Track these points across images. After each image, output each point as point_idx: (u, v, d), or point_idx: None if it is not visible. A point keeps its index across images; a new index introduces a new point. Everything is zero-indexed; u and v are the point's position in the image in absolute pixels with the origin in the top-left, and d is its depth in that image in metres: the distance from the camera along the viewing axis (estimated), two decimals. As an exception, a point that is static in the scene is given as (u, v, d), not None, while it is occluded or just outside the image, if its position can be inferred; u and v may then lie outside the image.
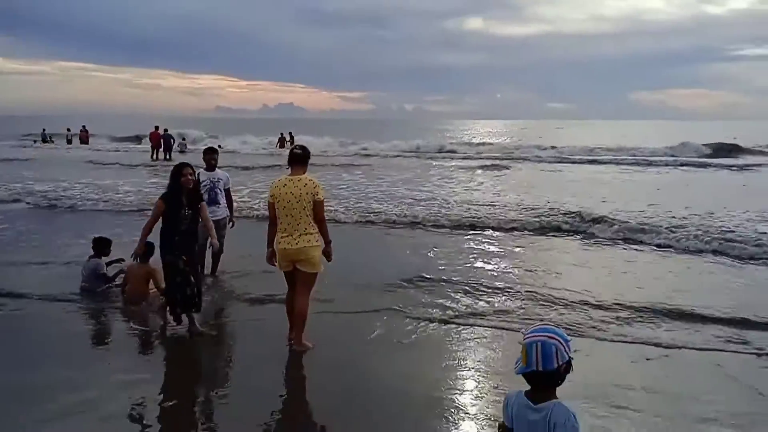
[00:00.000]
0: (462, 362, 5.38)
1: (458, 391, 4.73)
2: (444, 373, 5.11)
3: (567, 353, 2.18)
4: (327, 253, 5.58)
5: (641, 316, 6.50)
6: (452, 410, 4.36)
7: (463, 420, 4.24)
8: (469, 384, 4.89)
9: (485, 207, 13.62)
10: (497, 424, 2.38)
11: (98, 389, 4.68)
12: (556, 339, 2.18)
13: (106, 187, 17.45)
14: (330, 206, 12.49)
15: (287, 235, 5.37)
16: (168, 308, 6.18)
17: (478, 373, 5.10)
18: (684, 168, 25.43)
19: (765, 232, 10.32)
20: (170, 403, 4.52)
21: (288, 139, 36.37)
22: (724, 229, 10.63)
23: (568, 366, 2.19)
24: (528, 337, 2.22)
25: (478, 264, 8.93)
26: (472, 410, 4.39)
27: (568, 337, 2.23)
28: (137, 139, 44.20)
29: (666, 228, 10.77)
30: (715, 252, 9.58)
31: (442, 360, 5.42)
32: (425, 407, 4.43)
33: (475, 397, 4.63)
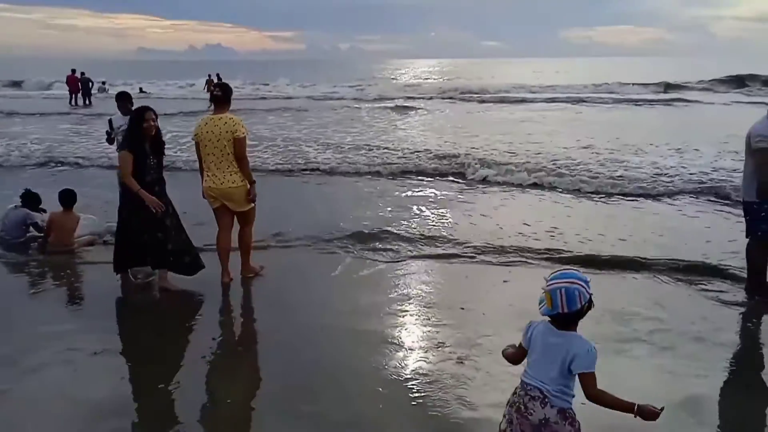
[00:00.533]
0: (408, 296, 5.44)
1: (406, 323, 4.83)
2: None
3: (588, 293, 2.37)
4: (249, 192, 5.54)
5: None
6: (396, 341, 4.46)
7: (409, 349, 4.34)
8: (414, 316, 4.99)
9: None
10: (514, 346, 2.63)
11: (20, 343, 4.50)
12: (577, 283, 2.37)
13: (12, 136, 16.39)
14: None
15: (212, 174, 5.44)
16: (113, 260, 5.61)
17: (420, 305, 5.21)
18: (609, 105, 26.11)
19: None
20: (100, 353, 4.35)
21: (216, 80, 35.12)
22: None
23: (589, 304, 2.39)
24: (551, 284, 2.39)
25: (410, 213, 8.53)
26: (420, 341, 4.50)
27: (588, 277, 2.41)
28: (52, 85, 41.51)
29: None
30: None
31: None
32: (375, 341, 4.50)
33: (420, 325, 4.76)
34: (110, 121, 7.55)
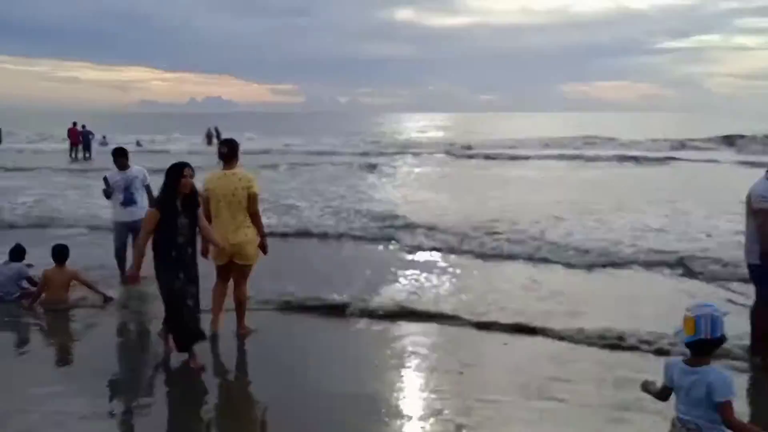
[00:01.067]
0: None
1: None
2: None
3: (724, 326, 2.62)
4: (263, 246, 5.67)
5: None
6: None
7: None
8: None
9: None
10: (648, 384, 2.94)
11: (9, 404, 4.40)
12: (719, 313, 2.62)
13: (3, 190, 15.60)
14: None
15: (223, 229, 5.41)
16: (173, 339, 5.15)
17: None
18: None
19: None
20: (90, 416, 4.26)
21: (215, 134, 35.57)
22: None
23: (724, 337, 2.65)
24: (695, 311, 2.61)
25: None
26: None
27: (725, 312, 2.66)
28: (54, 137, 41.97)
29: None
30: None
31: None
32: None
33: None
34: (105, 179, 7.64)
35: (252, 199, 5.46)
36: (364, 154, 31.68)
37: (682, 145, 34.63)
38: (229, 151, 5.60)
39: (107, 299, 6.85)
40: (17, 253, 7.22)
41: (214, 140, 34.12)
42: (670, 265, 8.25)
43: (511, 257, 8.93)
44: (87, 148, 29.41)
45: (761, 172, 5.13)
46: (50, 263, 6.84)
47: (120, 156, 7.65)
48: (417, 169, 23.73)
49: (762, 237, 4.84)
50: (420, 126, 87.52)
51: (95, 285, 6.98)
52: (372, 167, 23.27)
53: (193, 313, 5.06)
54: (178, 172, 4.94)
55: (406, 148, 35.16)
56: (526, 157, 28.30)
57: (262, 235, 5.65)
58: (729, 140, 36.23)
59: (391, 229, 10.58)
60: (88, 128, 30.16)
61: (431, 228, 10.38)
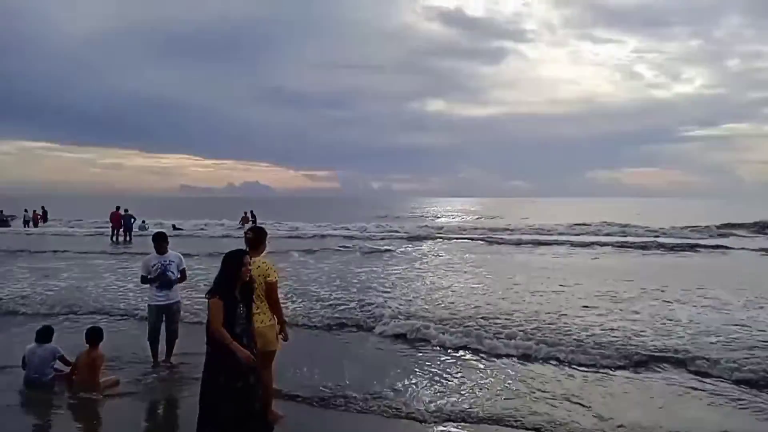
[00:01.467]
0: None
1: None
2: None
3: None
4: (282, 332, 5.68)
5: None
6: None
7: None
8: None
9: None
10: None
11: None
12: None
13: (40, 274, 16.04)
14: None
15: None
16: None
17: None
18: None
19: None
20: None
21: (250, 217, 36.49)
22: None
23: None
24: None
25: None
26: None
27: None
28: (97, 222, 43.63)
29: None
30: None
31: None
32: None
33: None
34: (144, 263, 7.86)
35: (269, 288, 5.52)
36: (391, 238, 32.22)
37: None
38: (254, 238, 5.68)
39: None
40: (45, 334, 7.16)
41: (249, 223, 35.04)
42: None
43: (546, 359, 8.38)
44: (128, 231, 30.36)
45: None
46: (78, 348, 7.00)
47: (160, 240, 7.86)
48: (444, 255, 23.71)
49: None
50: (448, 210, 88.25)
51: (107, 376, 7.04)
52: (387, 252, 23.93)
53: (251, 404, 4.85)
54: (238, 260, 4.91)
55: (436, 232, 35.64)
56: (555, 243, 28.36)
57: (282, 322, 5.69)
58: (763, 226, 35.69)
59: (420, 328, 9.79)
60: (129, 212, 31.25)
61: (447, 323, 10.06)
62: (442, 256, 23.36)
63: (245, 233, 5.91)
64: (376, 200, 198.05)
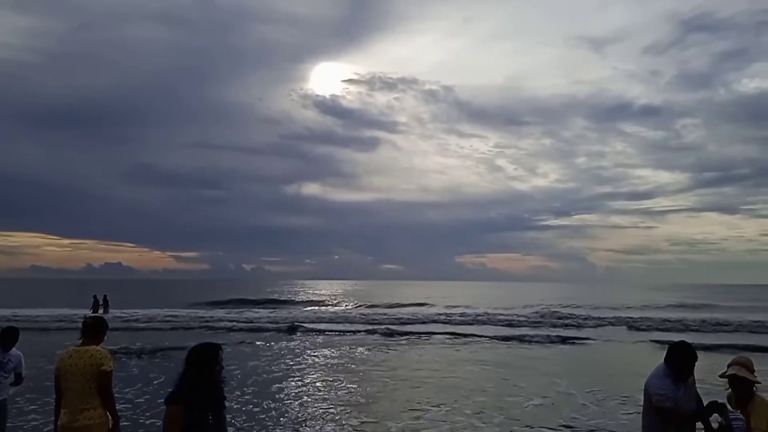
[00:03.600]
0: None
1: None
2: None
3: None
4: (115, 430, 5.12)
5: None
6: None
7: None
8: None
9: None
10: None
11: None
12: None
13: None
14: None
15: (68, 411, 4.95)
16: None
17: None
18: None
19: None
20: None
21: (101, 302, 34.05)
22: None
23: None
24: None
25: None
26: None
27: None
28: None
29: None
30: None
31: None
32: None
33: None
34: None
35: (104, 377, 5.01)
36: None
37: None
38: (92, 323, 5.32)
39: None
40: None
41: (101, 308, 32.71)
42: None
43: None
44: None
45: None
46: None
47: (10, 334, 7.10)
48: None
49: None
50: (323, 292, 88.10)
51: None
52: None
53: None
54: (214, 358, 3.93)
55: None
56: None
57: (116, 418, 5.15)
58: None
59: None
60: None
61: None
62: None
63: (84, 318, 5.57)
64: (248, 281, 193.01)
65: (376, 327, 30.28)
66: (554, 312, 37.97)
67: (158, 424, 9.06)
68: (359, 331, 28.45)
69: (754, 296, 73.40)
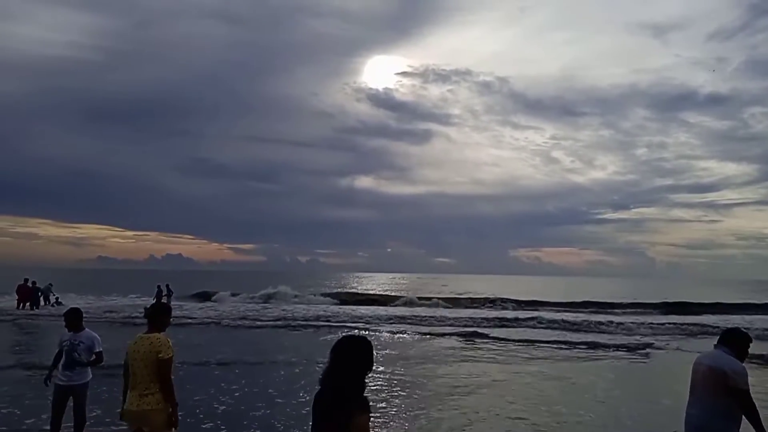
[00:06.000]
0: None
1: None
2: None
3: None
4: (171, 418, 5.29)
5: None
6: None
7: None
8: None
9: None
10: None
11: None
12: None
13: None
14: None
15: (132, 395, 5.25)
16: None
17: None
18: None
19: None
20: None
21: (165, 292, 35.61)
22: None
23: None
24: None
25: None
26: None
27: None
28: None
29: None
30: None
31: None
32: None
33: None
34: (59, 338, 7.37)
35: (161, 365, 5.22)
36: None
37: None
38: (151, 312, 5.56)
39: None
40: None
41: (164, 297, 34.26)
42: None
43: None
44: (35, 303, 29.63)
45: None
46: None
47: (70, 317, 7.37)
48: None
49: (752, 418, 4.62)
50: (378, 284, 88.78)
51: None
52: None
53: None
54: (371, 353, 3.40)
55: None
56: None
57: (173, 404, 5.30)
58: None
59: None
60: (37, 284, 30.36)
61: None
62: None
63: (145, 308, 5.85)
64: (303, 273, 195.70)
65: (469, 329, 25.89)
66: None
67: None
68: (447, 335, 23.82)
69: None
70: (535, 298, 45.82)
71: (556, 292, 56.99)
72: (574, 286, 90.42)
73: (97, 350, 7.32)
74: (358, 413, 3.13)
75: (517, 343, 21.22)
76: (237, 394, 11.55)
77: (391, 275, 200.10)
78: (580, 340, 22.45)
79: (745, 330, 5.16)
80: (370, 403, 3.23)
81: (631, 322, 28.54)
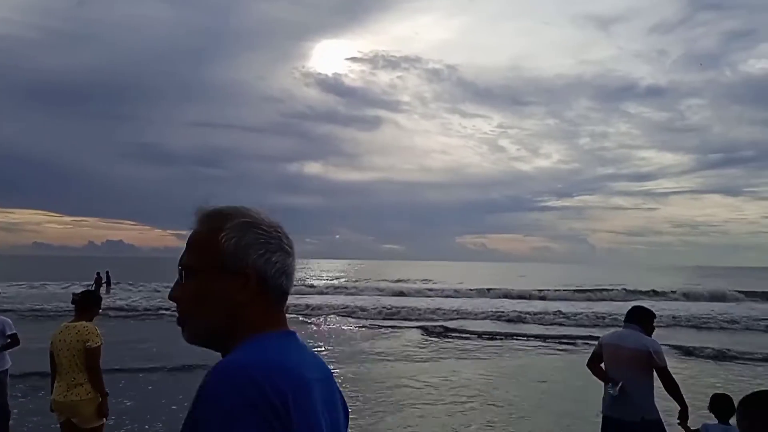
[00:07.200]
0: None
1: None
2: None
3: None
4: (101, 408, 5.18)
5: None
6: None
7: None
8: None
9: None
10: None
11: None
12: None
13: None
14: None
15: (59, 386, 5.11)
16: None
17: None
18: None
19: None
20: None
21: (104, 279, 33.78)
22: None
23: None
24: None
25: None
26: None
27: None
28: None
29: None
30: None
31: None
32: None
33: None
34: None
35: (89, 355, 5.07)
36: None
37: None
38: (80, 299, 5.46)
39: None
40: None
41: (104, 285, 32.52)
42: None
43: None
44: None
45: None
46: None
47: None
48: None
49: (674, 393, 4.89)
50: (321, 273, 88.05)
51: None
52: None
53: None
54: None
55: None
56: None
57: (102, 394, 5.18)
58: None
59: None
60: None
61: None
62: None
63: (73, 294, 5.86)
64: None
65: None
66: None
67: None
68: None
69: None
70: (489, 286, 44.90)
71: (504, 279, 56.92)
72: (518, 271, 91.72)
73: (10, 333, 7.05)
74: None
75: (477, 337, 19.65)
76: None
77: (338, 262, 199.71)
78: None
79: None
80: None
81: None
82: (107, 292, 32.09)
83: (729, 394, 4.60)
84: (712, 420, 4.57)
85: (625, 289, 39.57)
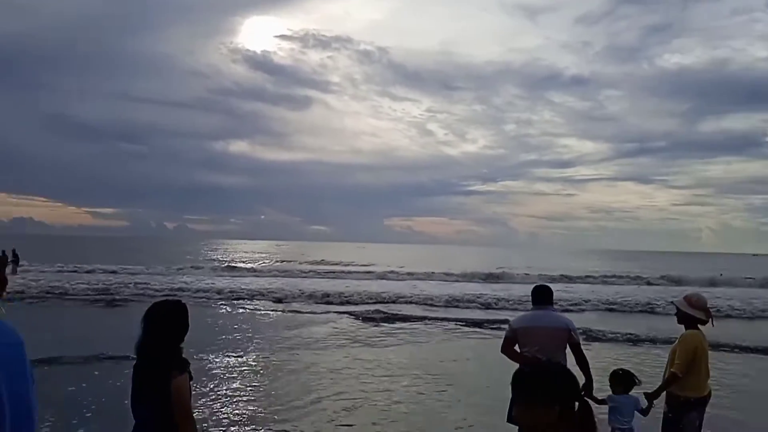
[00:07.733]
0: None
1: None
2: None
3: None
4: None
5: None
6: None
7: None
8: None
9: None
10: None
11: None
12: None
13: None
14: None
15: None
16: None
17: None
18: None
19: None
20: None
21: (11, 257, 31.59)
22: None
23: None
24: None
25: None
26: None
27: None
28: None
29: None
30: None
31: None
32: None
33: None
34: None
35: None
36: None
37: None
38: None
39: None
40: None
41: (10, 263, 30.41)
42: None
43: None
44: None
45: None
46: None
47: None
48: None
49: (587, 370, 5.11)
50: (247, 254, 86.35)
51: None
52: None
53: None
54: (186, 315, 3.39)
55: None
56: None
57: None
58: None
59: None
60: None
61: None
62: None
63: None
64: (170, 240, 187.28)
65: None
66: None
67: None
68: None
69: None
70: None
71: (430, 263, 57.76)
72: (444, 253, 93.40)
73: None
74: (176, 374, 3.12)
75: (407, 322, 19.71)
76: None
77: (263, 243, 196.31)
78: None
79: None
80: (189, 364, 3.22)
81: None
82: (14, 272, 30.09)
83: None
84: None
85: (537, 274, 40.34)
